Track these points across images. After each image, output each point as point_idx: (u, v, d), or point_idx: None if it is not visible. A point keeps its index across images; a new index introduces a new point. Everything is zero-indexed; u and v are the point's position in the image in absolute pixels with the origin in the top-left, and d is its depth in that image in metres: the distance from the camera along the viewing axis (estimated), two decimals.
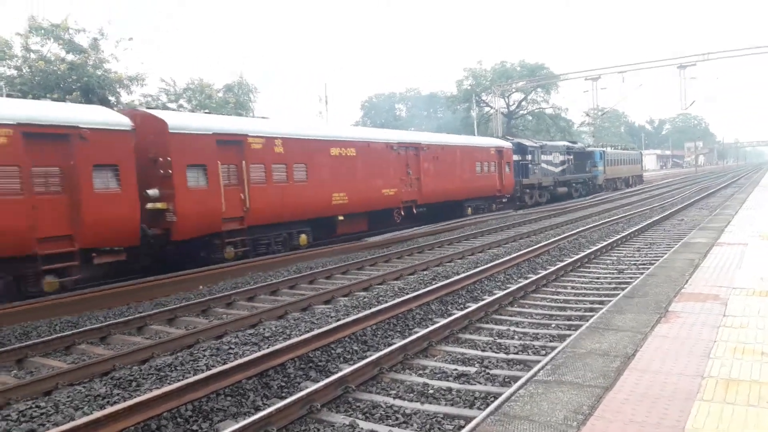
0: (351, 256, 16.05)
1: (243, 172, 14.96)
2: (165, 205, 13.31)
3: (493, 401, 5.48)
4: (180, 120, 14.44)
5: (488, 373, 6.52)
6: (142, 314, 10.00)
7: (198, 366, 6.88)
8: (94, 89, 29.34)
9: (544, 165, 33.32)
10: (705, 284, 7.29)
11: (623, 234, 16.83)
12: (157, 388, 6.15)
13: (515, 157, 29.93)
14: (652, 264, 11.74)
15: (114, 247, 12.23)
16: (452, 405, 5.76)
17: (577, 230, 18.26)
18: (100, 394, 6.13)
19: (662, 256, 12.29)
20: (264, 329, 8.47)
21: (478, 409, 5.59)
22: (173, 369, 6.82)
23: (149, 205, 13.08)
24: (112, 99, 31.45)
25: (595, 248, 14.40)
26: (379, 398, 5.96)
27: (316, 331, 7.53)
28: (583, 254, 13.54)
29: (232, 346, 7.59)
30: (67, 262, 11.31)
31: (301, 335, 7.69)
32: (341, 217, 18.67)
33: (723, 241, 10.97)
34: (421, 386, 6.22)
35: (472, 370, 6.64)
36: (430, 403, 5.83)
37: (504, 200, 29.29)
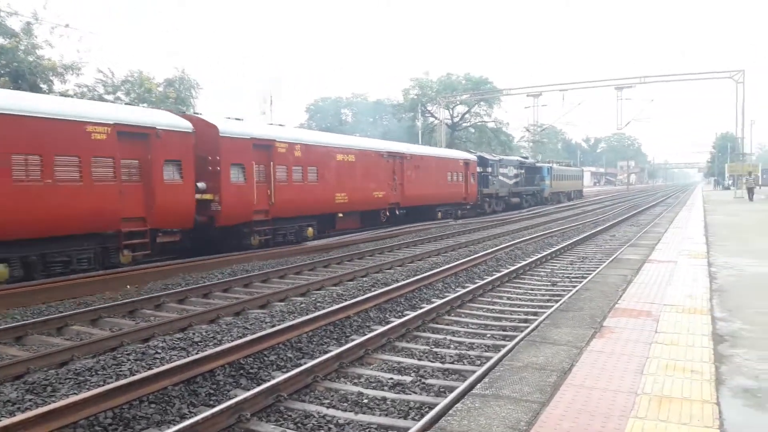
0: (290, 260, 15.79)
1: (270, 171, 17.48)
2: (212, 196, 15.61)
3: (427, 412, 5.42)
4: (227, 126, 16.60)
5: (424, 383, 6.46)
6: (62, 314, 9.47)
7: (121, 371, 6.53)
8: (24, 75, 27.88)
9: (501, 177, 36.99)
10: (638, 300, 7.48)
11: (557, 247, 17.25)
12: (75, 393, 5.79)
13: (477, 169, 33.33)
14: (585, 278, 12.06)
15: (173, 229, 14.79)
16: (387, 415, 5.67)
17: (513, 242, 18.60)
18: (10, 400, 5.72)
19: (594, 271, 12.64)
20: (194, 333, 8.15)
21: (413, 419, 5.52)
22: (94, 373, 6.44)
23: (197, 196, 15.14)
24: (44, 87, 29.96)
25: (530, 260, 14.69)
26: (312, 408, 5.80)
27: (248, 337, 7.30)
28: (518, 266, 13.77)
29: (159, 351, 7.26)
30: (139, 239, 13.72)
31: (232, 341, 7.45)
32: (341, 215, 21.60)
33: (654, 258, 11.37)
34: (356, 395, 6.10)
35: (408, 379, 6.57)
36: (365, 413, 5.72)
37: (468, 207, 32.31)
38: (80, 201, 12.23)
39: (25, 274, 11.73)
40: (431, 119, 63.90)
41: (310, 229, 19.65)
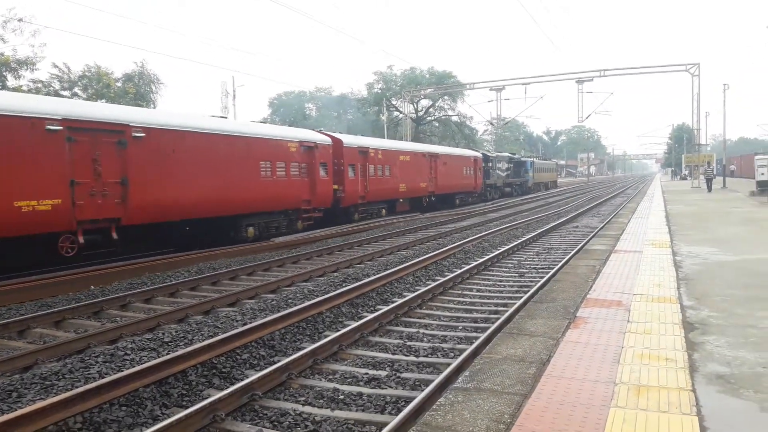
0: (258, 257, 15.60)
1: (366, 169, 25.54)
2: (338, 186, 23.23)
3: (404, 406, 5.40)
4: (347, 139, 24.98)
5: (399, 377, 6.45)
6: (24, 316, 9.15)
7: (89, 373, 6.33)
8: None
9: (498, 171, 45.43)
10: (608, 290, 7.60)
11: (523, 239, 17.45)
12: (42, 399, 5.59)
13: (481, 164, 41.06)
14: (551, 268, 12.24)
15: (320, 208, 22.15)
16: (363, 411, 5.63)
17: (480, 234, 18.76)
18: None
19: (560, 261, 12.85)
20: (163, 333, 7.96)
21: (390, 414, 5.50)
22: (61, 377, 6.23)
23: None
24: None
25: (497, 252, 14.83)
26: (287, 405, 5.73)
27: (220, 336, 7.16)
28: (486, 257, 13.88)
29: (128, 352, 7.06)
30: (308, 214, 21.47)
31: (203, 340, 7.31)
32: (401, 200, 29.89)
33: (620, 249, 11.58)
34: (332, 392, 6.04)
35: (383, 374, 6.55)
36: (341, 409, 5.67)
37: (476, 194, 40.22)
38: (286, 189, 19.85)
39: (259, 234, 18.97)
40: (396, 113, 63.97)
41: (383, 210, 27.64)
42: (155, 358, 6.60)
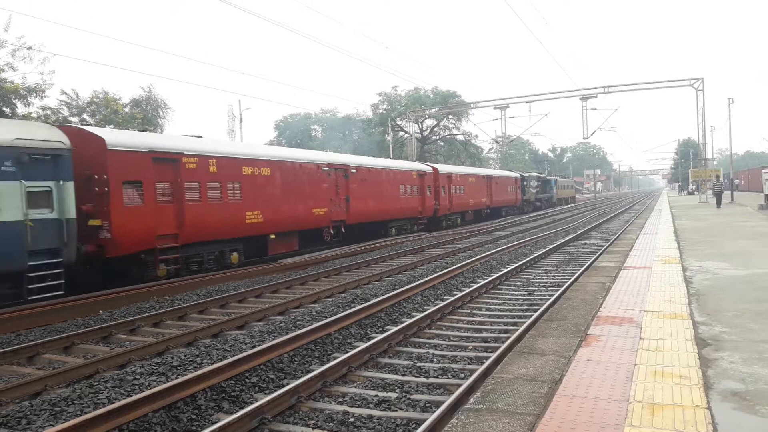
0: (265, 279, 15.59)
1: (450, 189, 34.17)
2: (436, 202, 32.08)
3: (415, 428, 5.35)
4: (441, 168, 33.68)
5: (409, 399, 6.39)
6: (33, 342, 9.15)
7: (99, 399, 6.30)
8: None
9: (530, 188, 53.25)
10: (619, 307, 7.54)
11: (531, 257, 17.38)
12: (51, 425, 5.57)
13: (514, 181, 49.19)
14: (560, 286, 12.16)
15: (426, 217, 30.94)
16: None
17: (488, 252, 18.69)
18: None
19: (569, 279, 12.77)
20: (172, 357, 7.94)
21: None
22: (70, 403, 6.20)
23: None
24: (6, 111, 29.28)
25: (506, 270, 14.76)
26: (297, 429, 5.69)
27: (229, 359, 7.14)
28: (494, 276, 13.82)
29: (137, 377, 7.04)
30: (420, 221, 30.79)
31: (212, 364, 7.28)
32: (469, 212, 37.84)
33: (629, 265, 11.50)
34: (341, 414, 5.99)
35: (393, 395, 6.49)
36: None
37: (516, 207, 48.10)
38: (410, 204, 29.05)
39: (396, 233, 27.44)
40: (401, 133, 64.23)
41: (459, 220, 36.50)
42: (164, 383, 6.58)
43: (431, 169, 32.43)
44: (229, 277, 15.76)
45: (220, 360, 7.47)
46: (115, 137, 14.57)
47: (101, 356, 8.27)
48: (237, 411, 5.87)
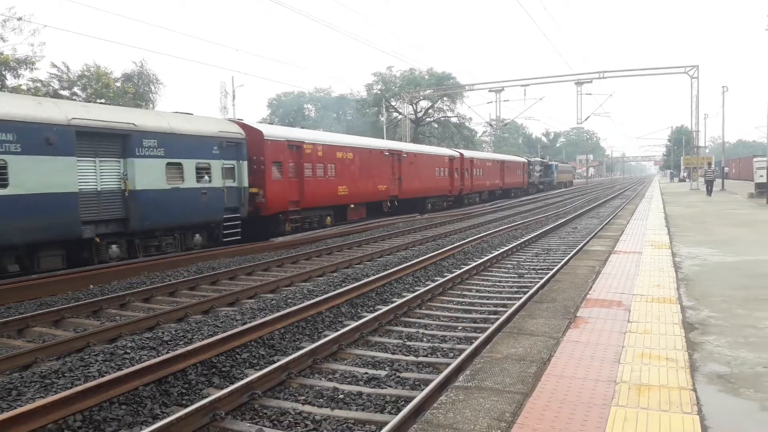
0: (256, 257, 15.59)
1: (472, 172, 38.59)
2: (461, 182, 37.12)
3: (404, 405, 5.40)
4: (466, 153, 38.55)
5: (399, 377, 6.45)
6: (23, 315, 9.14)
7: (89, 372, 6.32)
8: None
9: (534, 173, 58.29)
10: (608, 291, 7.61)
11: (522, 240, 17.46)
12: (41, 397, 5.58)
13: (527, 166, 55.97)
14: (550, 269, 12.24)
15: (453, 195, 36.64)
16: (363, 410, 5.63)
17: (479, 235, 18.75)
18: None
19: (559, 262, 12.84)
20: (162, 332, 7.96)
21: (390, 413, 5.50)
22: (60, 375, 6.22)
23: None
24: None
25: (497, 252, 14.83)
26: (287, 404, 5.72)
27: (220, 335, 7.15)
28: (485, 258, 13.88)
29: (128, 351, 7.05)
30: (448, 199, 36.90)
31: (203, 339, 7.30)
32: (485, 192, 43.01)
33: (619, 250, 11.59)
34: (331, 391, 6.04)
35: (383, 373, 6.55)
36: (341, 408, 5.66)
37: (523, 189, 53.13)
38: (441, 184, 34.30)
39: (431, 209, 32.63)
40: (395, 114, 64.00)
41: (477, 198, 41.03)
42: (155, 357, 6.60)
43: (458, 154, 37.54)
44: (219, 254, 15.75)
45: (211, 336, 7.50)
46: (268, 130, 20.06)
47: (92, 330, 8.28)
48: (227, 386, 5.91)
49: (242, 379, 6.19)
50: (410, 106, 61.32)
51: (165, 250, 15.45)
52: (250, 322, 8.03)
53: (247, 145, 18.05)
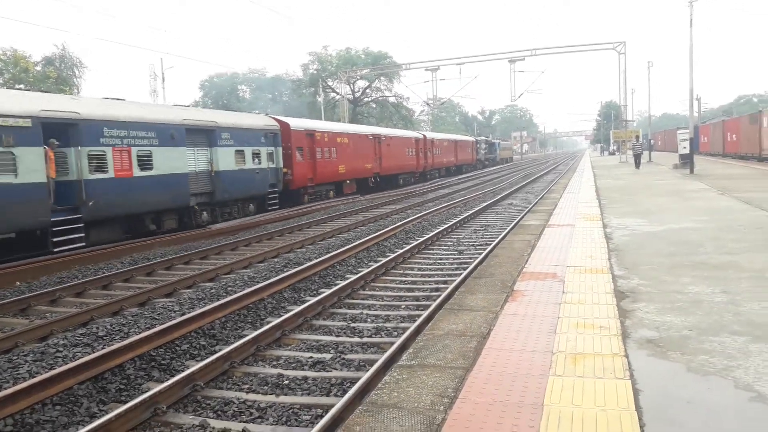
0: (193, 245, 15.22)
1: (433, 152, 44.74)
2: (423, 161, 42.00)
3: (350, 387, 5.42)
4: (429, 135, 45.63)
5: (343, 359, 6.47)
6: None
7: (19, 374, 6.04)
8: None
9: (481, 150, 64.17)
10: (543, 263, 7.82)
11: (461, 217, 17.74)
12: None
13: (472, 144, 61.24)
14: (489, 245, 12.50)
15: (420, 171, 42.26)
16: (309, 394, 5.62)
17: (420, 214, 18.94)
18: None
19: (497, 237, 13.13)
20: (97, 328, 7.68)
21: (335, 396, 5.51)
22: None
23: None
24: None
25: (437, 230, 15.01)
26: (231, 394, 5.65)
27: (157, 328, 6.98)
28: (426, 237, 14.03)
29: (60, 349, 6.78)
30: (416, 174, 41.58)
31: (140, 332, 7.09)
32: (447, 168, 49.41)
33: (553, 223, 11.93)
34: (276, 377, 6.00)
35: (328, 356, 6.55)
36: (286, 394, 5.64)
37: (472, 165, 58.54)
38: (409, 162, 38.81)
39: (403, 183, 37.99)
40: (333, 95, 63.44)
41: (442, 172, 47.63)
42: (90, 354, 6.37)
43: (422, 136, 42.57)
44: (154, 243, 15.30)
45: (149, 328, 7.29)
46: (293, 122, 25.40)
47: (20, 329, 7.89)
48: (168, 379, 5.77)
49: (183, 371, 6.06)
50: (347, 86, 60.91)
51: (233, 216, 20.40)
52: (188, 313, 7.86)
53: (284, 133, 23.53)
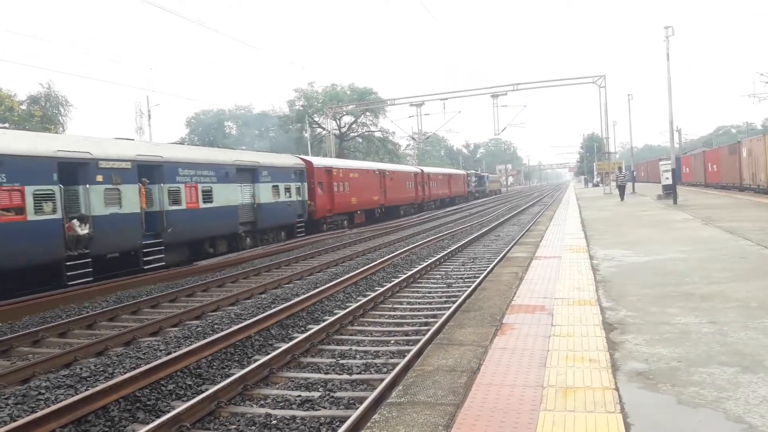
0: (179, 283, 15.07)
1: (428, 185, 48.49)
2: (423, 194, 47.27)
3: (339, 426, 5.34)
4: (426, 169, 50.53)
5: (333, 397, 6.38)
6: None
7: (0, 417, 5.88)
8: None
9: (472, 183, 68.93)
10: (531, 296, 7.83)
11: (449, 250, 17.76)
12: None
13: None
14: (477, 277, 12.49)
15: (421, 203, 46.81)
16: None
17: (408, 247, 18.94)
18: None
19: (485, 270, 13.14)
20: (81, 369, 7.54)
21: None
22: None
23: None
24: None
25: (425, 264, 15.01)
26: None
27: (143, 368, 6.86)
28: (415, 270, 14.02)
29: (43, 391, 6.63)
30: (417, 205, 46.19)
31: (125, 373, 6.96)
32: (443, 200, 53.52)
33: (540, 255, 11.98)
34: (264, 417, 5.89)
35: (316, 394, 6.46)
36: None
37: (464, 197, 62.07)
38: (409, 194, 42.59)
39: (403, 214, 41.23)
40: (319, 130, 63.92)
41: (437, 202, 50.98)
42: (73, 396, 6.23)
43: (420, 170, 47.23)
44: (140, 281, 15.14)
45: (134, 368, 7.16)
46: (315, 161, 29.80)
47: (1, 371, 7.71)
48: (153, 420, 5.65)
49: (169, 412, 5.94)
50: (334, 122, 61.37)
51: (270, 241, 23.60)
52: (174, 352, 7.74)
53: (308, 170, 27.14)
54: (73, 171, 14.33)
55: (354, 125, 67.55)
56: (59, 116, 42.46)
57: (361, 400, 5.96)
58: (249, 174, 22.17)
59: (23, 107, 39.31)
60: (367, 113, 65.07)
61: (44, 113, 39.88)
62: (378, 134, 69.08)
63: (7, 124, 34.68)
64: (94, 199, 14.59)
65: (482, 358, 5.13)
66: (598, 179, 69.00)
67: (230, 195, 20.41)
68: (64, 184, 13.77)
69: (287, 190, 24.68)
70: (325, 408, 6.12)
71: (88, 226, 14.20)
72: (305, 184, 26.34)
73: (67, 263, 13.70)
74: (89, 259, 14.23)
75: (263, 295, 12.63)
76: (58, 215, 13.42)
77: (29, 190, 12.80)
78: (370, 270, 14.29)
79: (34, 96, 41.27)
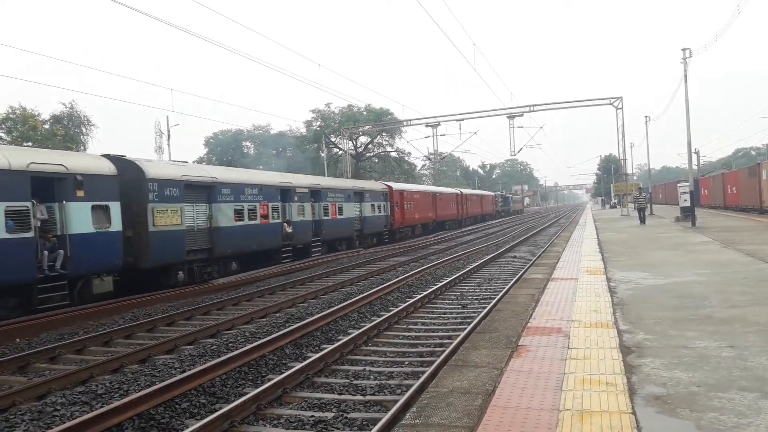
0: (196, 300, 15.14)
1: (465, 203, 57.33)
2: (459, 211, 56.19)
3: None
4: (465, 191, 65.32)
5: (346, 418, 6.34)
6: None
7: None
8: None
9: (498, 203, 78.08)
10: (548, 318, 7.76)
11: (464, 270, 17.68)
12: None
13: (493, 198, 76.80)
14: (492, 298, 12.41)
15: (465, 218, 57.33)
16: None
17: (423, 267, 18.89)
18: None
19: (500, 291, 13.05)
20: (96, 385, 7.57)
21: None
22: None
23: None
24: None
25: (440, 284, 14.95)
26: None
27: (157, 385, 6.87)
28: (429, 290, 13.97)
29: (58, 407, 6.67)
30: (457, 221, 54.99)
31: (140, 390, 6.98)
32: (475, 217, 61.03)
33: (556, 277, 11.88)
34: None
35: (330, 415, 6.42)
36: None
37: (492, 215, 70.23)
38: (452, 211, 52.12)
39: (449, 228, 49.26)
40: (335, 150, 64.34)
41: (471, 219, 58.03)
42: (87, 413, 6.25)
43: (459, 192, 56.46)
44: (157, 299, 15.23)
45: (149, 386, 7.18)
46: (394, 186, 37.80)
47: (18, 387, 7.78)
48: None
49: (182, 430, 5.94)
50: (350, 142, 61.73)
51: (368, 245, 32.38)
52: (189, 370, 7.75)
53: (389, 193, 35.64)
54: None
55: (370, 145, 67.88)
56: (81, 135, 43.20)
57: (375, 421, 5.91)
58: (359, 196, 31.22)
59: (46, 126, 40.07)
60: (384, 134, 65.38)
61: (66, 132, 40.61)
62: (394, 154, 69.32)
63: (30, 143, 35.34)
64: (293, 211, 24.08)
65: (497, 381, 5.09)
66: (615, 201, 68.54)
67: (350, 210, 29.56)
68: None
69: (379, 207, 33.64)
70: (338, 429, 6.08)
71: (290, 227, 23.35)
72: (388, 203, 35.19)
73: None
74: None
75: (278, 314, 12.64)
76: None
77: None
78: (385, 289, 14.25)
79: (57, 116, 42.10)
